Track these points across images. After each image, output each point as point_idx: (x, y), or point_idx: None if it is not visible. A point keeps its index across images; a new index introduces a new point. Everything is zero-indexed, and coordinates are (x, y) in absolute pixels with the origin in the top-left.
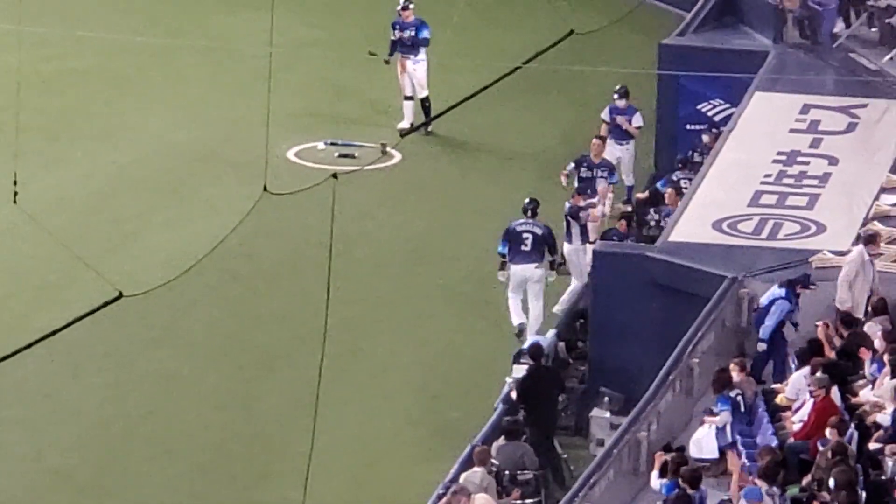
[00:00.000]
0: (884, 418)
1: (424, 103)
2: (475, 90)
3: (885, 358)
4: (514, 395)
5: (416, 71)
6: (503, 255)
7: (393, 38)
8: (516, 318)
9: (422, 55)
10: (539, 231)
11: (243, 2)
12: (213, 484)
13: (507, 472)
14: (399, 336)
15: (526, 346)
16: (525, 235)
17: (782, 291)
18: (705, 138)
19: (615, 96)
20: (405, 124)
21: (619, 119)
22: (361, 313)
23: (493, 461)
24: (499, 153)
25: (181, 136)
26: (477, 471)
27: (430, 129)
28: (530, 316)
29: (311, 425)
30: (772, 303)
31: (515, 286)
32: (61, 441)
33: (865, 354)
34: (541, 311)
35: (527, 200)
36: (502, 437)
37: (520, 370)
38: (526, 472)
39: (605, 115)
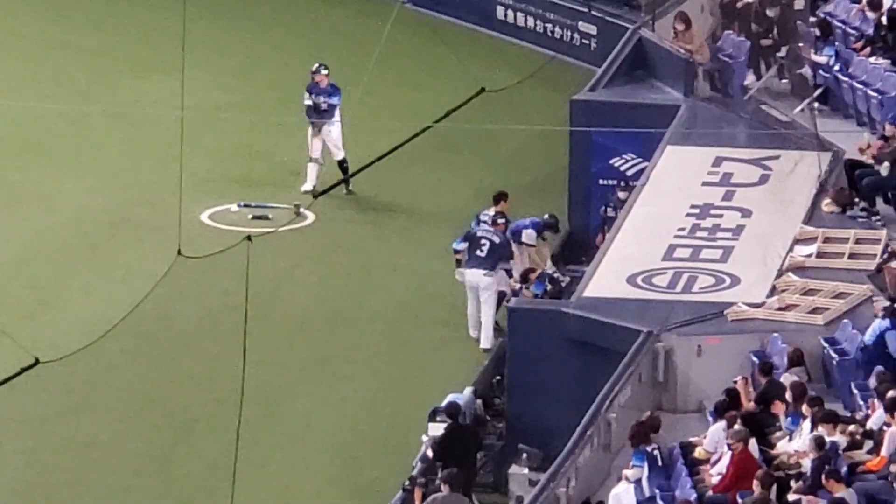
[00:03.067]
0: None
1: (342, 164)
2: (387, 150)
3: (803, 409)
4: (430, 453)
5: (330, 133)
6: (457, 252)
7: (307, 102)
8: (472, 331)
9: (336, 118)
10: (497, 240)
11: (154, 66)
12: None
13: None
14: (317, 397)
15: (443, 404)
16: (483, 241)
17: (887, 322)
18: (621, 195)
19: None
20: (308, 186)
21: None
22: (278, 375)
23: None
24: (412, 213)
25: (96, 201)
26: None
27: (350, 188)
28: (482, 324)
29: (231, 489)
30: (881, 336)
31: (469, 289)
32: None
33: (779, 408)
34: (491, 318)
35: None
36: (446, 487)
37: (436, 428)
38: None
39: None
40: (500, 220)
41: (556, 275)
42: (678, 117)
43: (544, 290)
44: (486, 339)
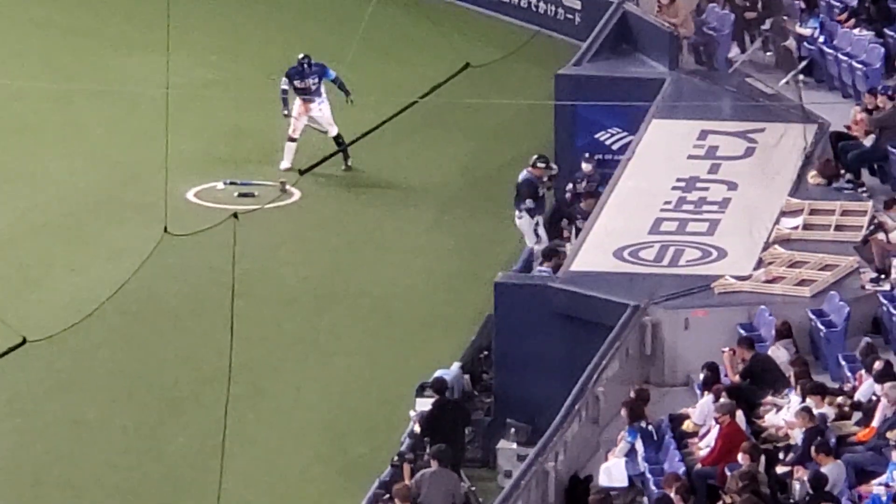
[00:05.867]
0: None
1: (338, 140)
2: (372, 126)
3: (792, 381)
4: (417, 428)
5: (322, 111)
6: None
7: (297, 86)
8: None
9: (323, 95)
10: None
11: (138, 44)
12: None
13: None
14: (304, 374)
15: (430, 380)
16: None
17: None
18: (585, 167)
19: None
20: (286, 164)
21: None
22: (266, 353)
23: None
24: (398, 188)
25: (81, 180)
26: None
27: (349, 164)
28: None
29: (219, 465)
30: None
31: None
32: None
33: None
34: (534, 247)
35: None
36: (435, 462)
37: (423, 404)
38: None
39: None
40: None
41: (558, 248)
42: (663, 91)
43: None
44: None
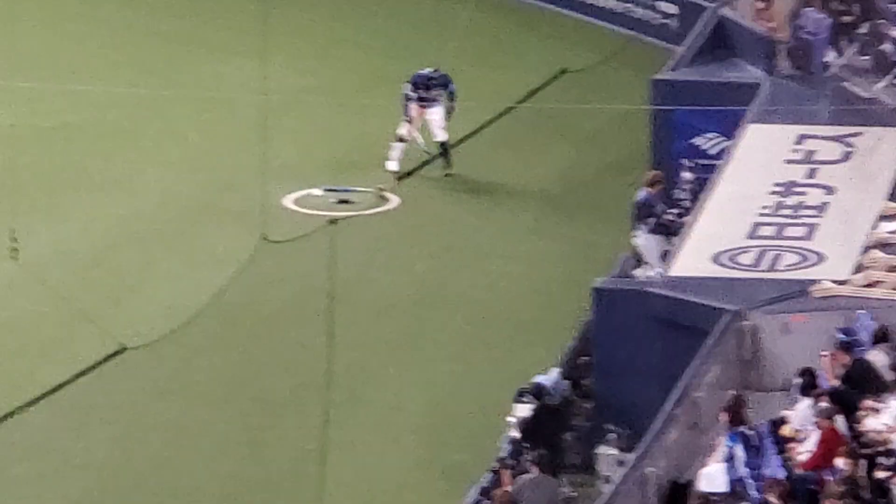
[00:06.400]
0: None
1: (443, 145)
2: (469, 132)
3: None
4: (516, 434)
5: (434, 115)
6: None
7: (420, 94)
8: None
9: (440, 102)
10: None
11: (234, 50)
12: None
13: None
14: (403, 380)
15: (529, 385)
16: None
17: None
18: (687, 175)
19: None
20: (394, 165)
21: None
22: (365, 358)
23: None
24: (496, 194)
25: (179, 186)
26: None
27: (451, 171)
28: None
29: (319, 472)
30: None
31: None
32: (69, 496)
33: None
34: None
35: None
36: (535, 468)
37: (522, 409)
38: None
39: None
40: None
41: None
42: (760, 95)
43: None
44: None
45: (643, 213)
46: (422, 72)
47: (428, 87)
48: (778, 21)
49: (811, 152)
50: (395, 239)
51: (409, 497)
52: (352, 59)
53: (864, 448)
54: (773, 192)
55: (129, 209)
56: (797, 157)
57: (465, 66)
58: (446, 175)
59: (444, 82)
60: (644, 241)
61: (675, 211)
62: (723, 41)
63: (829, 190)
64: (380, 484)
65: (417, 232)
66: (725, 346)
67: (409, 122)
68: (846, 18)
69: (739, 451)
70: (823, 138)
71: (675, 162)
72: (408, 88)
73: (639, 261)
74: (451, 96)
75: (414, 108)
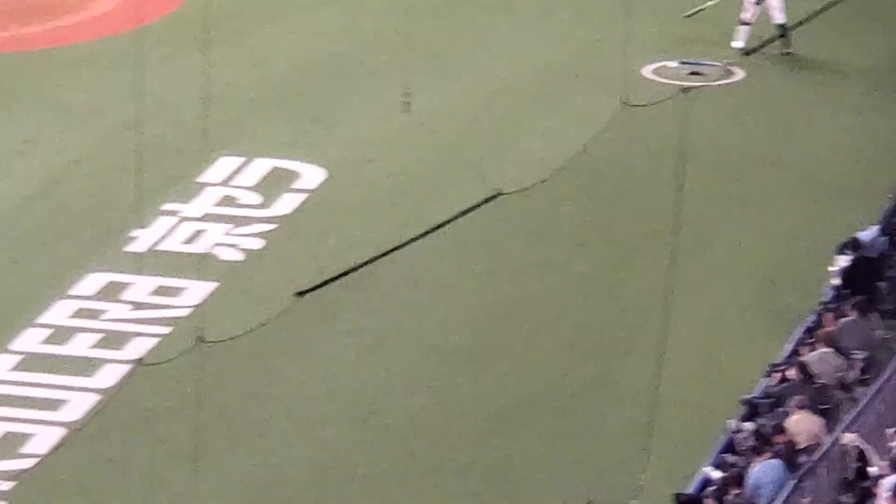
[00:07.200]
0: None
1: (782, 27)
2: (808, 16)
3: None
4: (838, 281)
5: (774, 1)
6: None
7: None
8: None
9: None
10: None
11: None
12: (579, 357)
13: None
14: (744, 230)
15: (849, 240)
16: None
17: None
18: None
19: None
20: (739, 44)
21: None
22: (709, 210)
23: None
24: (828, 71)
25: (550, 55)
26: (827, 351)
27: (789, 49)
28: None
29: (664, 307)
30: None
31: None
32: (447, 322)
33: None
34: None
35: None
36: (854, 312)
37: (844, 260)
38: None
39: None
40: None
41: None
42: None
43: None
44: None
45: None
46: None
47: None
48: None
49: None
50: (739, 108)
51: (744, 333)
52: None
53: None
54: None
55: (508, 72)
56: None
57: None
58: (783, 54)
59: None
60: None
61: None
62: None
63: None
64: (718, 321)
65: (758, 103)
66: None
67: (751, 3)
68: None
69: None
70: None
71: None
72: None
73: None
74: None
75: None
